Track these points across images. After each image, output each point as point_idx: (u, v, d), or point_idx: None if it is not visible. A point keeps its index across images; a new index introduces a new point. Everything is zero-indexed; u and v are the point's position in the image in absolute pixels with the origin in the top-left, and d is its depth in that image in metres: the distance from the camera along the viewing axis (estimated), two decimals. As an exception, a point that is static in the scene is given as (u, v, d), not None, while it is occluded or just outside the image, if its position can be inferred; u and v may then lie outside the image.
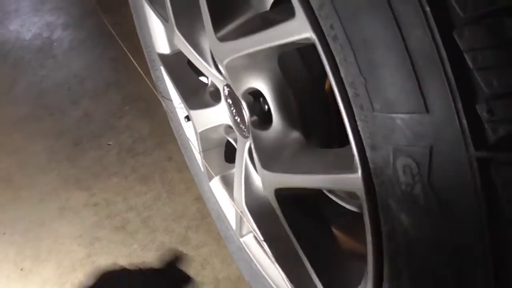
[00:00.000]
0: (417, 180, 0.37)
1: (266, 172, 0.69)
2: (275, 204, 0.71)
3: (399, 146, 0.38)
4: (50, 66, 1.91)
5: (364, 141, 0.42)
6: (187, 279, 1.22)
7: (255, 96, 0.74)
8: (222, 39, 0.64)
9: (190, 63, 1.05)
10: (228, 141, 1.04)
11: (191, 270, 1.24)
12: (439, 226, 0.37)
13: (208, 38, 0.67)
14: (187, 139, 1.13)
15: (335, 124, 0.67)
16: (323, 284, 0.70)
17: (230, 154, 1.08)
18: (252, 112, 0.75)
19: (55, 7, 2.25)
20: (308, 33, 0.44)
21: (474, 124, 0.32)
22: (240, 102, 0.75)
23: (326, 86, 0.68)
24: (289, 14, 0.46)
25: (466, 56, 0.31)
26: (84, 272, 1.24)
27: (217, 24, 0.64)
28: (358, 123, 0.42)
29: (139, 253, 1.29)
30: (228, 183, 1.11)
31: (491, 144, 0.32)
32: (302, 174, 0.60)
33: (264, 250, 1.00)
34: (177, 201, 1.40)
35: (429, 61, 0.32)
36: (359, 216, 0.55)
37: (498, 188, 0.33)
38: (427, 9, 0.31)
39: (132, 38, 1.88)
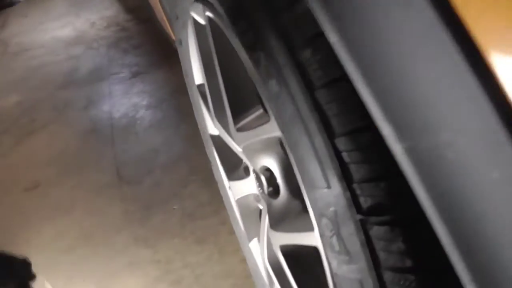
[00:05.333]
0: (333, 233, 0.55)
1: (273, 232, 0.88)
2: (281, 260, 0.89)
3: (321, 211, 0.56)
4: (132, 140, 2.25)
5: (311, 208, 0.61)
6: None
7: (270, 171, 0.94)
8: (239, 130, 0.87)
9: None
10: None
11: (233, 322, 1.41)
12: (347, 265, 0.55)
13: (230, 128, 0.90)
14: (231, 205, 1.35)
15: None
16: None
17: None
18: (268, 184, 0.95)
19: (142, 90, 2.65)
20: (279, 133, 0.65)
21: (354, 196, 0.51)
22: (260, 176, 0.96)
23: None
24: (267, 118, 0.68)
25: (343, 155, 0.50)
26: (144, 318, 1.45)
27: (236, 118, 0.87)
28: (307, 196, 0.61)
29: (191, 305, 1.48)
30: (264, 245, 1.30)
31: (364, 210, 0.50)
32: (292, 232, 0.79)
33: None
34: (227, 261, 1.59)
35: (326, 157, 0.52)
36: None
37: (372, 239, 0.50)
38: (320, 125, 0.51)
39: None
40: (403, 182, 0.48)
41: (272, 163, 0.89)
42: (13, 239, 1.85)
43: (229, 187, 1.32)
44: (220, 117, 1.04)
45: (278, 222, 0.88)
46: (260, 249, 1.07)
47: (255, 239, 1.31)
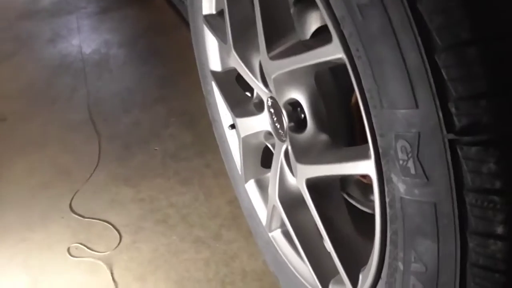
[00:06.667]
0: (410, 156, 0.54)
1: (299, 165, 0.86)
2: (305, 192, 0.87)
3: (398, 133, 0.55)
4: (106, 78, 2.14)
5: (376, 132, 0.59)
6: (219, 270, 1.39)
7: (294, 106, 0.92)
8: (272, 58, 0.83)
9: (237, 79, 1.24)
10: (264, 150, 1.22)
11: (222, 261, 1.40)
12: (420, 188, 0.54)
13: (261, 56, 0.86)
14: (227, 146, 1.32)
15: (354, 130, 0.84)
16: (342, 263, 0.85)
17: (264, 160, 1.26)
18: (290, 119, 0.92)
19: (112, 27, 2.51)
20: (340, 54, 0.62)
21: (447, 116, 0.49)
22: (281, 110, 0.93)
23: (353, 100, 0.86)
24: (327, 40, 0.64)
25: (442, 71, 0.48)
26: (130, 255, 1.42)
27: (270, 46, 0.83)
28: (373, 118, 0.59)
29: (178, 243, 1.46)
30: (261, 186, 1.28)
31: (457, 130, 0.49)
32: (327, 164, 0.78)
33: (289, 243, 1.16)
34: (213, 203, 1.57)
35: (419, 74, 0.50)
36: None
37: (461, 160, 0.50)
38: (419, 38, 0.49)
39: (180, 58, 2.10)
40: (506, 100, 0.47)
41: (301, 96, 0.87)
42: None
43: (230, 126, 1.29)
44: (240, 47, 0.99)
45: (306, 155, 0.86)
46: (271, 187, 1.06)
47: (252, 180, 1.30)
